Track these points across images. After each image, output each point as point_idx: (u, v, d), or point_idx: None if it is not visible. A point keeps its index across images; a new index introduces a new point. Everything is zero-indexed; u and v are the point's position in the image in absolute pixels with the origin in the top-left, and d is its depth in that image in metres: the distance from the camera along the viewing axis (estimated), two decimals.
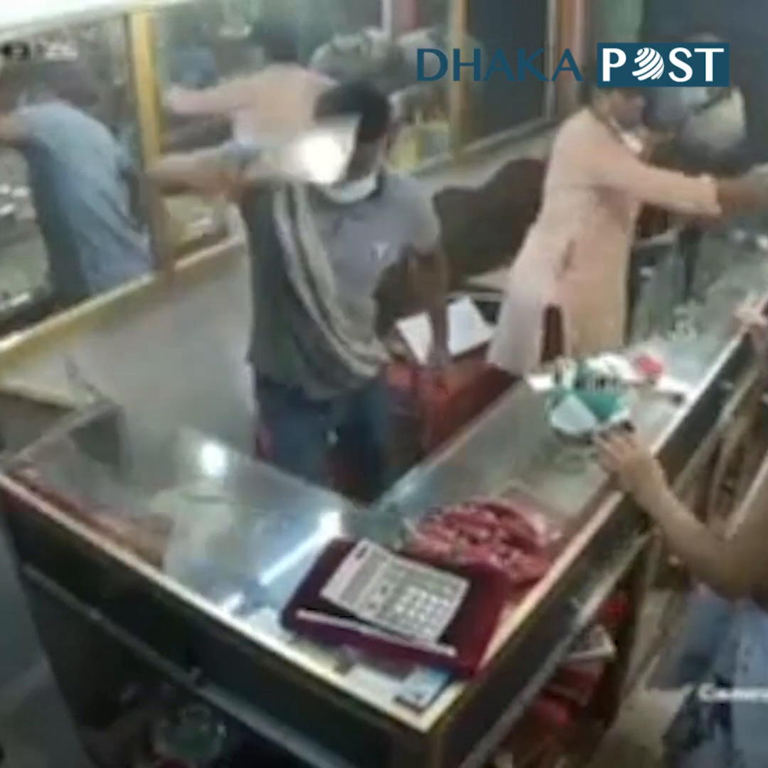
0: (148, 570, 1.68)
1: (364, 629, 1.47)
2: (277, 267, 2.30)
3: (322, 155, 1.97)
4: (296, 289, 2.31)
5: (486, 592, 1.54)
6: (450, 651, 1.43)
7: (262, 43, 3.71)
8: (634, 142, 3.07)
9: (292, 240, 2.25)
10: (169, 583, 1.65)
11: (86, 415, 2.16)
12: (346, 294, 2.36)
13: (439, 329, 2.82)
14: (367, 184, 2.24)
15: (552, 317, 3.17)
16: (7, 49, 2.29)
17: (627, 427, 1.97)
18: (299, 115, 3.46)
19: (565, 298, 3.13)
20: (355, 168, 2.08)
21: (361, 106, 2.04)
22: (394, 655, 1.45)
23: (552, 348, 3.08)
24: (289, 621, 1.52)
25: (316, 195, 2.23)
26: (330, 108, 2.11)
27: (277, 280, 2.33)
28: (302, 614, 1.51)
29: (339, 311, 2.37)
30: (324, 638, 1.49)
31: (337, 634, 1.49)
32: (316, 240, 2.26)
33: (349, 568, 1.58)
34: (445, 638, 1.45)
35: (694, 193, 2.87)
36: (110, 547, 1.74)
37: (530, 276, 3.23)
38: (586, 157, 3.00)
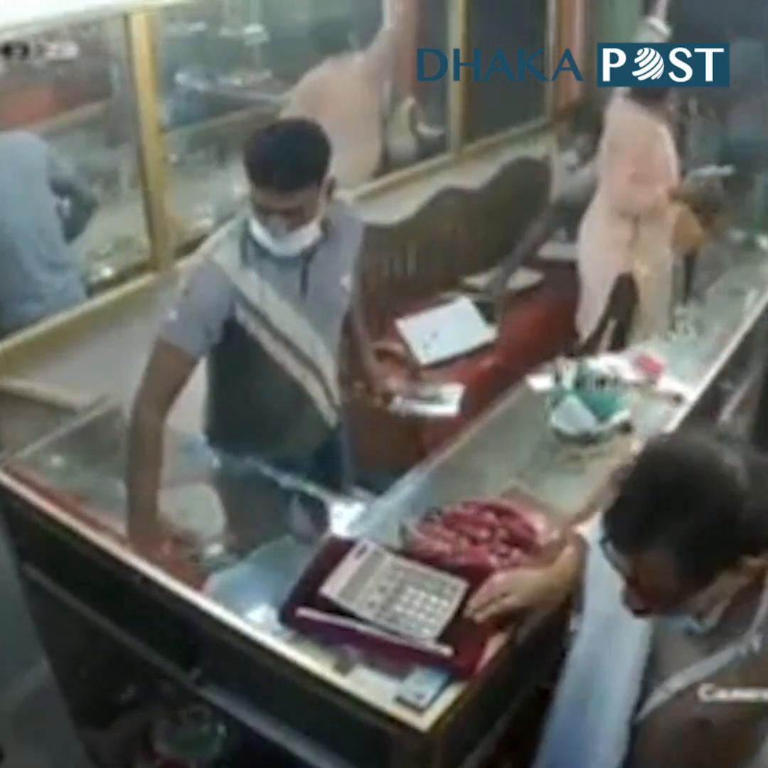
0: (147, 569, 1.69)
1: (362, 628, 1.47)
2: (246, 356, 2.14)
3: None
4: (272, 359, 2.15)
5: None
6: (447, 651, 1.43)
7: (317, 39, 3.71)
8: None
9: (256, 317, 2.08)
10: (169, 582, 1.65)
11: (86, 415, 2.16)
12: (326, 337, 2.22)
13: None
14: (311, 232, 2.04)
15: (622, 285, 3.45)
16: (7, 49, 2.29)
17: (627, 427, 1.97)
18: (363, 106, 3.54)
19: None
20: (291, 220, 1.96)
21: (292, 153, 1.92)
22: (392, 655, 1.45)
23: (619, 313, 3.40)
24: (287, 618, 1.52)
25: (267, 257, 2.06)
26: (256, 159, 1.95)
27: (246, 370, 2.17)
28: (301, 611, 1.52)
29: (322, 356, 2.22)
30: (322, 636, 1.50)
31: (335, 632, 1.49)
32: (277, 301, 2.10)
33: (348, 566, 1.58)
34: (443, 638, 1.45)
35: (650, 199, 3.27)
36: (111, 547, 1.75)
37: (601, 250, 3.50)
38: None
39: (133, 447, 2.00)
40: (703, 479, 1.16)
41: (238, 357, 2.14)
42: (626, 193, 3.31)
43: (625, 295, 3.44)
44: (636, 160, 3.25)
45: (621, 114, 3.33)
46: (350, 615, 1.49)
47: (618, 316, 3.47)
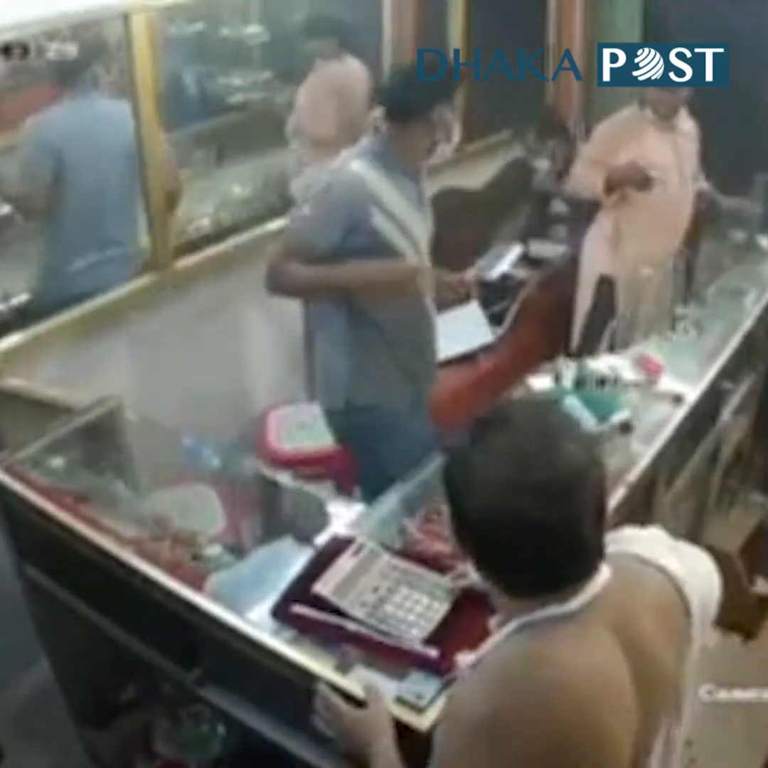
0: (148, 569, 1.69)
1: (352, 626, 1.48)
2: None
3: None
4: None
5: (478, 595, 1.53)
6: (433, 652, 1.43)
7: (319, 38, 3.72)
8: None
9: (392, 222, 2.33)
10: (169, 582, 1.65)
11: (86, 415, 2.16)
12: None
13: None
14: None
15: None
16: (7, 49, 2.28)
17: (627, 427, 1.97)
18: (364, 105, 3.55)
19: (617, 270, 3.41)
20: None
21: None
22: (381, 654, 1.46)
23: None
24: (280, 613, 1.53)
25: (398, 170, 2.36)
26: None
27: (388, 311, 2.40)
28: (293, 608, 1.53)
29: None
30: (313, 633, 1.50)
31: (325, 629, 1.50)
32: (406, 206, 2.38)
33: (343, 564, 1.59)
34: (432, 640, 1.45)
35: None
36: (111, 547, 1.75)
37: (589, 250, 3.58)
38: None
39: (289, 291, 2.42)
40: None
41: (381, 311, 2.39)
42: (574, 172, 3.43)
43: (604, 297, 3.45)
44: (600, 146, 3.34)
45: (619, 112, 3.36)
46: (341, 613, 1.50)
47: (603, 316, 3.41)
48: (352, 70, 3.74)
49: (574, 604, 1.09)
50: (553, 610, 1.10)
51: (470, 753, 1.06)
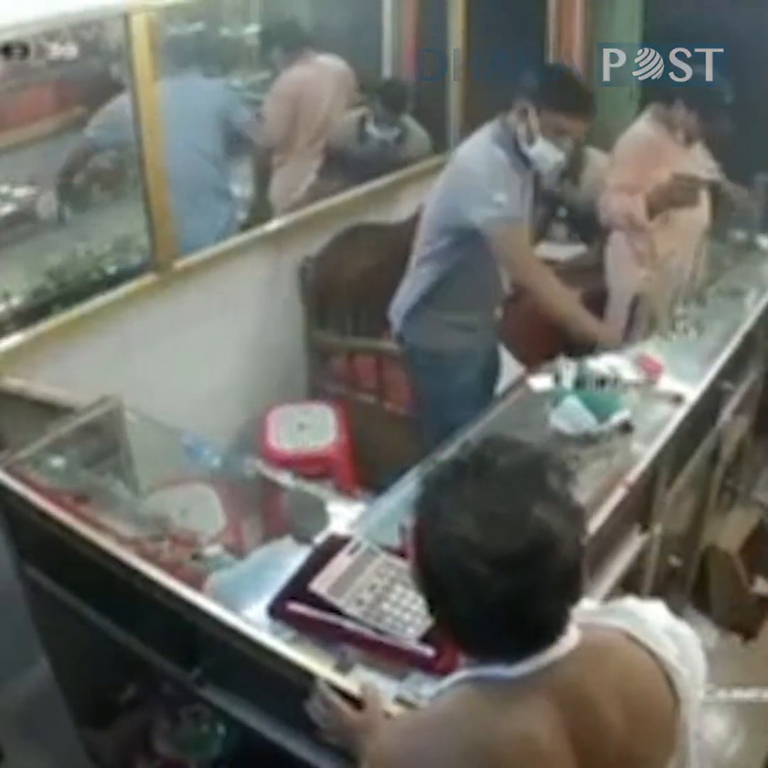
0: (148, 569, 1.69)
1: (347, 624, 1.48)
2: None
3: None
4: None
5: None
6: (429, 651, 1.43)
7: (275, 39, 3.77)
8: None
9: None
10: (169, 582, 1.65)
11: (86, 415, 2.16)
12: None
13: None
14: None
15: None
16: (7, 49, 2.28)
17: (627, 427, 1.97)
18: (338, 105, 3.70)
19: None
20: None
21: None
22: (375, 652, 1.46)
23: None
24: (276, 611, 1.54)
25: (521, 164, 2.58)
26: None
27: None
28: (290, 606, 1.53)
29: None
30: (309, 630, 1.51)
31: (321, 627, 1.50)
32: (521, 197, 2.60)
33: (340, 563, 1.59)
34: (427, 638, 1.45)
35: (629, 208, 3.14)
36: (111, 547, 1.75)
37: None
38: None
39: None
40: None
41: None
42: (608, 204, 3.22)
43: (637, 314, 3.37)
44: (630, 172, 3.17)
45: (632, 128, 3.30)
46: (337, 611, 1.50)
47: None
48: (315, 74, 3.73)
49: (519, 670, 1.07)
50: (497, 671, 1.08)
51: None
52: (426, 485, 1.08)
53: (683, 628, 1.24)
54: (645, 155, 3.17)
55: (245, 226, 3.40)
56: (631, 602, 1.26)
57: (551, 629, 1.07)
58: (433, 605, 1.10)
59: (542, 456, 1.09)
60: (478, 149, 2.57)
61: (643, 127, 3.24)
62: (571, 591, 1.07)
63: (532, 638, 1.07)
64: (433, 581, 1.07)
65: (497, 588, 0.99)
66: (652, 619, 1.20)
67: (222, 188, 3.38)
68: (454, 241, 2.61)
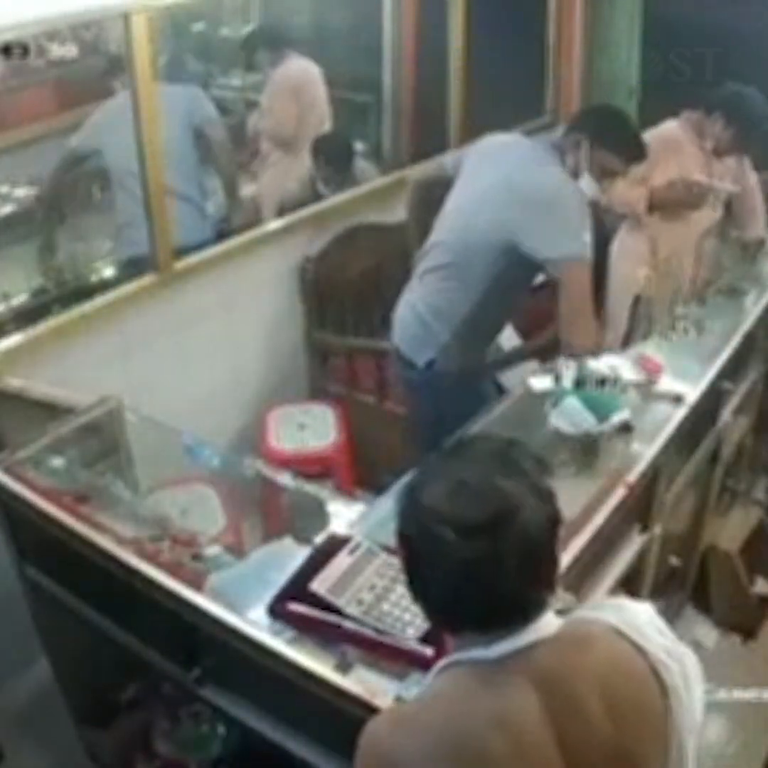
0: (148, 569, 1.69)
1: (348, 624, 1.48)
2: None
3: None
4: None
5: None
6: (429, 651, 1.43)
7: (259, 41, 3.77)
8: None
9: None
10: (169, 582, 1.65)
11: (86, 415, 2.16)
12: None
13: None
14: None
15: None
16: (7, 49, 2.28)
17: (627, 427, 1.97)
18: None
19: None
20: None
21: None
22: (375, 651, 1.46)
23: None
24: (276, 611, 1.54)
25: None
26: None
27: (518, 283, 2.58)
28: (289, 606, 1.53)
29: None
30: (309, 630, 1.51)
31: (320, 626, 1.50)
32: None
33: (340, 563, 1.59)
34: (427, 638, 1.45)
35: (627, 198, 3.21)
36: (111, 547, 1.75)
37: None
38: None
39: None
40: None
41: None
42: (612, 189, 3.28)
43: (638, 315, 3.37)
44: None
45: (660, 125, 3.28)
46: (337, 611, 1.50)
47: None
48: (306, 68, 3.80)
49: (496, 650, 1.10)
50: (476, 653, 1.11)
51: None
52: (418, 469, 1.15)
53: (667, 629, 1.24)
54: (661, 152, 3.15)
55: (222, 235, 3.31)
56: (619, 600, 1.29)
57: (518, 607, 1.10)
58: (410, 578, 1.14)
59: (517, 442, 1.15)
60: (557, 180, 2.44)
61: (670, 127, 3.25)
62: (539, 570, 1.09)
63: (498, 613, 1.09)
64: (407, 550, 1.12)
65: (461, 555, 1.04)
66: (639, 613, 1.21)
67: (188, 194, 3.27)
68: (494, 261, 2.49)
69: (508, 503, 1.05)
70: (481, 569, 1.04)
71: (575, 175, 2.46)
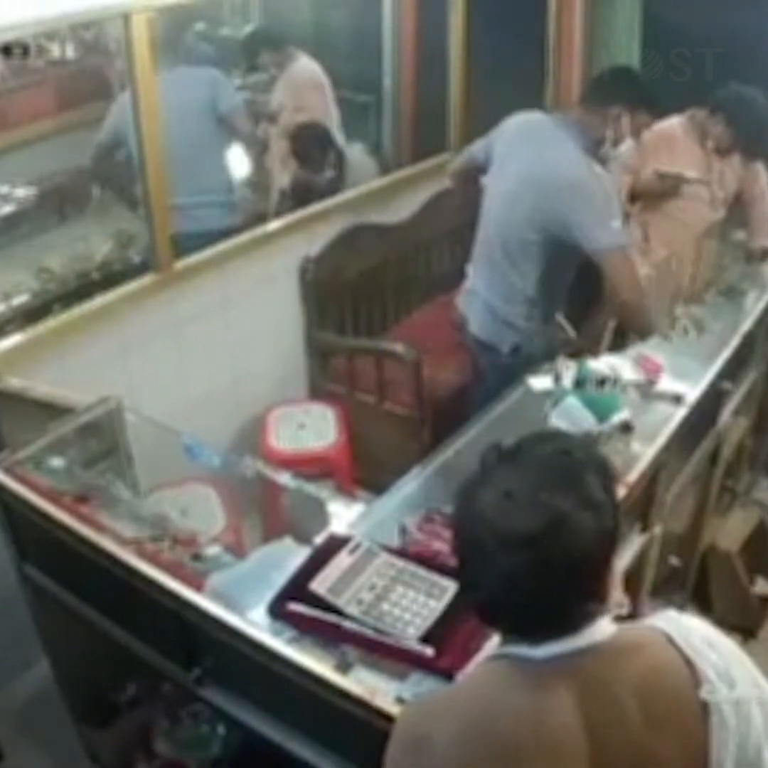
0: (148, 569, 1.69)
1: (347, 624, 1.48)
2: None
3: None
4: None
5: None
6: (429, 651, 1.43)
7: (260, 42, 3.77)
8: None
9: None
10: (169, 582, 1.65)
11: (86, 415, 2.16)
12: None
13: None
14: None
15: None
16: (7, 49, 2.29)
17: (627, 427, 1.97)
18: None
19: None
20: None
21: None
22: (375, 651, 1.46)
23: None
24: (276, 611, 1.54)
25: None
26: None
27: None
28: (289, 606, 1.53)
29: None
30: (308, 630, 1.51)
31: (320, 626, 1.50)
32: None
33: (340, 563, 1.59)
34: (427, 638, 1.45)
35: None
36: (111, 547, 1.75)
37: None
38: None
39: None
40: None
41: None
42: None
43: None
44: (634, 151, 3.20)
45: (664, 120, 3.28)
46: (337, 611, 1.50)
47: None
48: (313, 63, 3.86)
49: (541, 652, 1.09)
50: (522, 650, 1.11)
51: (397, 764, 1.14)
52: (467, 476, 1.15)
53: (725, 642, 1.23)
54: (655, 145, 3.17)
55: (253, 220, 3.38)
56: (674, 612, 1.24)
57: (561, 619, 1.09)
58: (459, 573, 1.17)
59: (578, 448, 1.13)
60: (582, 168, 2.46)
61: (671, 122, 3.25)
62: (585, 583, 1.08)
63: (539, 623, 1.10)
64: (456, 550, 1.14)
65: (501, 566, 1.05)
66: (695, 628, 1.19)
67: (218, 180, 3.39)
68: (539, 251, 2.59)
69: (553, 518, 1.03)
70: (521, 581, 1.04)
71: (615, 144, 2.52)
